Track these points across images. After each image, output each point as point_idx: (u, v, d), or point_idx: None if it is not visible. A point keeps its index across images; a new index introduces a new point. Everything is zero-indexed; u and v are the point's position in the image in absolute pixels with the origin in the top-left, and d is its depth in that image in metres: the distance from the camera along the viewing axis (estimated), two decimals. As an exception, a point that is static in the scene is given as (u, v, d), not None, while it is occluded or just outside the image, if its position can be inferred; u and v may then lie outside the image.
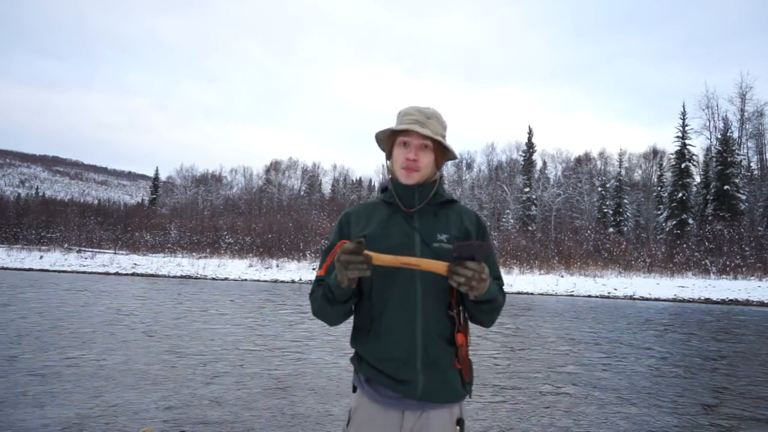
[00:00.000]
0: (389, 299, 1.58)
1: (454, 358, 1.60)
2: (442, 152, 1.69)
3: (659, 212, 43.36)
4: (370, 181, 73.97)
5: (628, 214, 46.65)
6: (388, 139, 1.72)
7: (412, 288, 1.57)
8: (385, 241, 1.59)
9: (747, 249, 30.98)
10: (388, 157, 1.73)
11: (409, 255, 1.56)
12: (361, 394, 1.65)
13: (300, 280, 25.18)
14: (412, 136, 1.64)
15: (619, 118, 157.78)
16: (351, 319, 1.73)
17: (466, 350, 1.62)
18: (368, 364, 1.62)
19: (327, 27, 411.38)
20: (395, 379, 1.57)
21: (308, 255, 33.64)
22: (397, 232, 1.62)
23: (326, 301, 1.58)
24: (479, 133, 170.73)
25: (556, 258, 31.90)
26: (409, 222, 1.63)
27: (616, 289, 22.50)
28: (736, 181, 38.07)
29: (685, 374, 6.90)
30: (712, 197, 38.44)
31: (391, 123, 1.73)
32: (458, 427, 1.62)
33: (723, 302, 19.81)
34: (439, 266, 1.45)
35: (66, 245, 40.57)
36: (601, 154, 59.59)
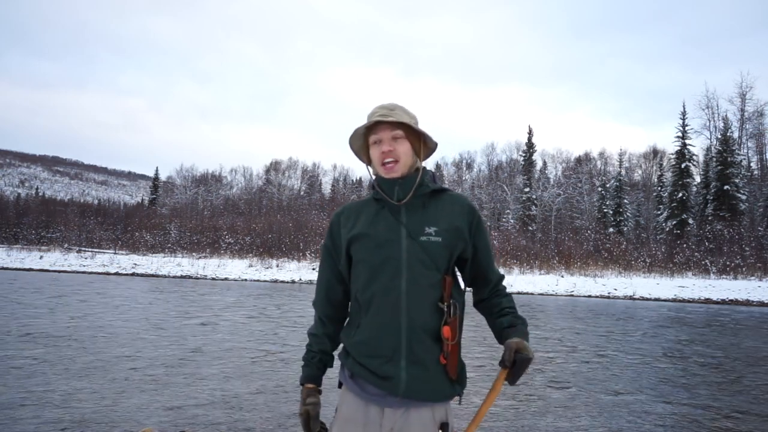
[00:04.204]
0: (375, 294, 1.55)
1: (440, 354, 1.54)
2: (419, 141, 1.66)
3: (659, 212, 43.36)
4: (370, 181, 73.89)
5: (628, 214, 46.63)
6: (363, 148, 1.71)
7: (396, 281, 1.53)
8: (371, 239, 1.58)
9: (747, 249, 30.97)
10: (368, 163, 1.72)
11: (394, 250, 1.55)
12: (346, 389, 1.64)
13: (300, 280, 25.18)
14: (381, 131, 1.61)
15: (617, 118, 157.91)
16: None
17: (452, 345, 1.53)
18: (354, 359, 1.59)
19: (323, 29, 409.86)
20: (378, 376, 1.53)
21: (308, 255, 33.63)
22: (383, 228, 1.59)
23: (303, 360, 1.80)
24: (479, 133, 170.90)
25: (556, 258, 31.88)
26: (396, 217, 1.60)
27: (616, 289, 22.51)
28: (736, 181, 38.08)
29: (686, 373, 6.90)
30: (712, 197, 38.45)
31: None
32: (440, 431, 1.55)
33: (723, 302, 19.82)
34: (497, 391, 1.57)
35: (66, 245, 40.60)
36: (601, 154, 59.76)
